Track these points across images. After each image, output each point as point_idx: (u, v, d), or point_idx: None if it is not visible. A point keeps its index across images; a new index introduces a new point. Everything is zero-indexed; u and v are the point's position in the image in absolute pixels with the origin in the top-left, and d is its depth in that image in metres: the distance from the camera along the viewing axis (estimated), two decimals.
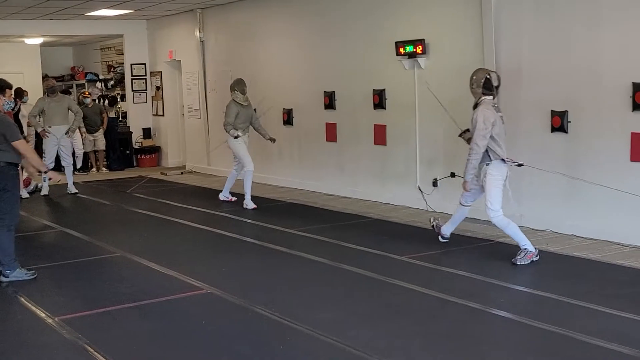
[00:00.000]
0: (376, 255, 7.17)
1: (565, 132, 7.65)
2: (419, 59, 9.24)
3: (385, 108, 9.95)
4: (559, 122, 7.67)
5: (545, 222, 7.93)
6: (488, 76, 6.81)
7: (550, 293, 5.70)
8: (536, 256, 6.66)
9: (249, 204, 10.12)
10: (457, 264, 6.67)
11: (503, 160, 6.68)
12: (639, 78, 6.94)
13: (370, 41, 10.11)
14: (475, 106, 6.79)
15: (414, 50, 9.21)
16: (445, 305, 5.55)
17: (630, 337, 4.69)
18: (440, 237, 7.43)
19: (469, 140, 6.89)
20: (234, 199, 10.46)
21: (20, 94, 13.34)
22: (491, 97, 6.78)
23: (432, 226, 7.57)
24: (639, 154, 7.02)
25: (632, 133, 7.06)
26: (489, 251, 7.05)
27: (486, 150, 6.66)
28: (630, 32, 7.03)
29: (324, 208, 9.97)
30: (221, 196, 10.63)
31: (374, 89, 10.04)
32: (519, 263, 6.62)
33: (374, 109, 10.08)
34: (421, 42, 9.14)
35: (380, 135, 10.08)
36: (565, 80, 7.65)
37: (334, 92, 10.84)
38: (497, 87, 6.85)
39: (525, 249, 6.64)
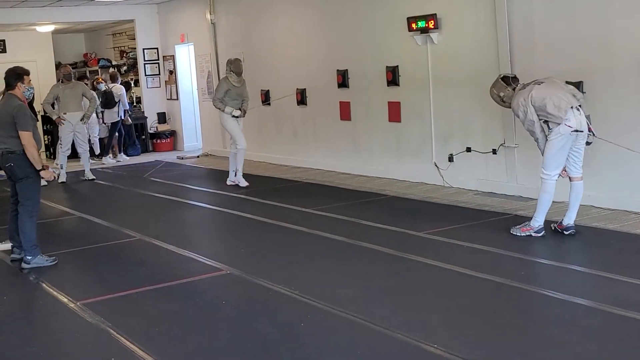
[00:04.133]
0: (394, 232, 7.17)
1: None
2: (431, 34, 9.17)
3: (398, 85, 9.90)
4: None
5: (562, 194, 7.87)
6: (500, 76, 6.79)
7: (569, 264, 5.69)
8: (537, 232, 6.50)
9: (240, 180, 10.21)
10: (476, 238, 6.65)
11: (567, 125, 6.27)
12: None
13: (382, 18, 10.04)
14: None
15: (426, 25, 9.14)
16: (464, 279, 5.55)
17: None
18: (564, 232, 6.56)
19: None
20: (244, 183, 10.36)
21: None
22: (520, 84, 6.66)
23: (554, 229, 6.65)
24: None
25: None
26: (506, 225, 7.03)
27: (545, 123, 6.39)
28: None
29: (340, 187, 9.97)
30: (228, 181, 10.54)
31: (387, 66, 9.99)
32: (512, 232, 6.59)
33: (388, 86, 10.04)
34: (433, 17, 9.07)
35: (394, 112, 10.04)
36: (579, 51, 7.58)
37: (347, 70, 10.80)
38: (514, 77, 6.77)
39: (532, 222, 6.52)
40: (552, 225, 6.69)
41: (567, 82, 7.57)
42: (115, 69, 17.16)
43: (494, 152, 8.67)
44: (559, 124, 6.30)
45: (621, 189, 7.35)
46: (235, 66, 10.18)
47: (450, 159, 9.30)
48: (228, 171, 10.74)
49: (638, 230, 6.60)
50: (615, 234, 6.59)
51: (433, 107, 9.43)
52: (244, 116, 10.35)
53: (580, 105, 6.43)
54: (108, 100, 14.27)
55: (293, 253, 6.71)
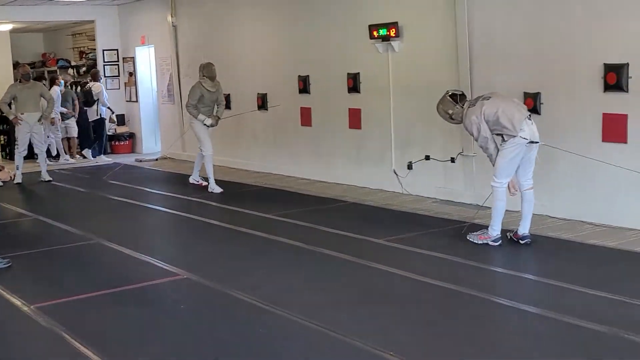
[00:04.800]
0: (354, 238, 7.20)
1: (539, 113, 7.72)
2: (392, 42, 9.25)
3: (359, 92, 9.96)
4: (532, 104, 7.72)
5: (518, 203, 7.99)
6: (447, 93, 6.83)
7: (525, 273, 5.78)
8: (494, 242, 6.57)
9: (214, 188, 10.09)
10: (434, 246, 6.71)
11: (522, 137, 6.36)
12: (609, 59, 7.02)
13: (344, 25, 10.10)
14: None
15: (388, 33, 9.21)
16: (422, 287, 5.60)
17: (601, 314, 4.77)
18: (520, 241, 6.64)
19: None
20: (204, 183, 10.34)
21: None
22: (468, 103, 6.72)
23: (510, 238, 6.72)
24: (611, 134, 7.11)
25: (603, 114, 7.14)
26: (464, 233, 7.09)
27: (500, 136, 6.44)
28: (601, 11, 7.09)
29: (300, 192, 9.98)
30: (191, 179, 10.51)
31: (348, 73, 10.04)
32: (469, 238, 6.67)
33: (349, 92, 10.09)
34: (394, 25, 9.14)
35: (355, 119, 10.09)
36: (538, 62, 7.71)
37: (308, 76, 10.82)
38: (462, 94, 6.85)
39: (488, 231, 6.61)
40: (507, 234, 6.79)
41: (526, 93, 7.73)
42: (94, 69, 16.90)
43: (453, 160, 8.78)
44: (514, 136, 6.40)
45: (577, 199, 7.49)
46: (208, 71, 10.02)
47: (410, 166, 9.38)
48: (187, 174, 10.67)
49: (592, 240, 6.73)
50: (569, 243, 6.71)
51: (393, 114, 9.51)
52: (216, 125, 10.22)
53: (529, 115, 6.56)
54: (87, 99, 14.20)
55: (251, 259, 6.69)
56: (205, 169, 10.16)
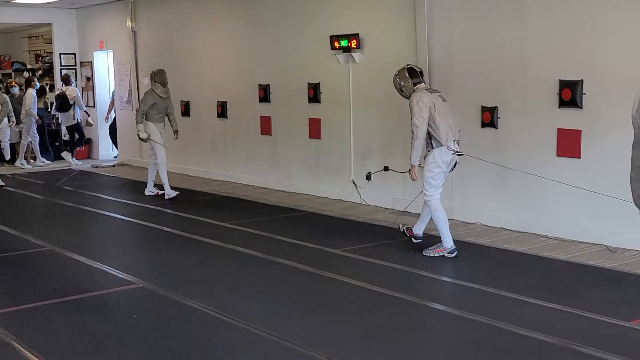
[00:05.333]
0: (311, 248, 7.23)
1: (495, 127, 7.86)
2: (353, 54, 9.34)
3: (320, 102, 10.02)
4: (489, 118, 7.87)
5: (475, 215, 8.14)
6: (407, 66, 6.93)
7: (478, 284, 5.86)
8: (450, 253, 6.72)
9: (170, 193, 10.08)
10: (390, 257, 6.78)
11: (448, 147, 6.63)
12: (564, 75, 7.18)
13: (305, 35, 10.16)
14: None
15: (349, 44, 9.30)
16: (378, 297, 5.65)
17: (552, 326, 4.87)
18: (413, 239, 7.12)
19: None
20: (160, 192, 10.33)
21: None
22: (422, 83, 6.86)
23: (402, 231, 7.22)
24: (565, 149, 7.27)
25: (558, 129, 7.30)
26: (420, 244, 7.18)
27: (428, 137, 6.64)
28: (557, 28, 7.26)
29: (258, 201, 9.98)
30: (146, 192, 10.47)
31: (309, 83, 10.09)
32: (425, 254, 6.77)
33: (309, 102, 10.14)
34: (355, 36, 9.23)
35: (315, 128, 10.15)
36: (495, 77, 7.86)
37: (268, 85, 10.85)
38: (421, 72, 6.96)
39: (443, 244, 6.75)
40: (400, 225, 7.28)
41: (483, 107, 7.87)
42: (64, 73, 16.67)
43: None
44: (442, 146, 6.61)
45: (530, 212, 7.63)
46: (159, 77, 10.06)
47: (368, 177, 9.46)
48: (144, 181, 10.60)
49: (545, 252, 6.87)
50: (523, 256, 6.84)
51: (353, 125, 9.58)
52: (176, 138, 10.33)
53: (458, 141, 6.78)
54: (63, 104, 14.14)
55: (208, 268, 6.68)
56: (160, 174, 10.13)
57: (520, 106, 7.66)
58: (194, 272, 6.53)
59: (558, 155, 7.33)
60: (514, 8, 7.62)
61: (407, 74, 6.86)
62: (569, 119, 7.21)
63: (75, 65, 15.62)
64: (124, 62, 14.17)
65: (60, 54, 15.51)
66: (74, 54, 15.58)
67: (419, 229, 7.12)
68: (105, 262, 6.76)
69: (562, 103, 7.23)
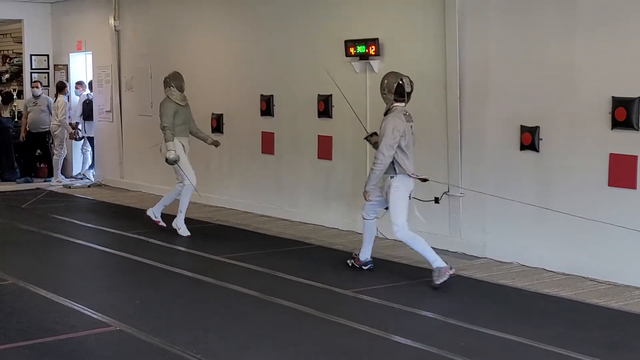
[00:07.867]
0: (317, 288, 7.21)
1: (537, 150, 7.84)
2: (371, 62, 9.36)
3: (331, 117, 10.04)
4: (530, 139, 7.85)
5: (512, 253, 8.09)
6: (400, 82, 7.42)
7: (517, 336, 5.81)
8: (451, 269, 7.13)
9: (181, 226, 9.71)
10: (413, 300, 6.75)
11: (409, 174, 7.33)
12: (618, 92, 7.18)
13: (315, 39, 10.20)
14: (386, 113, 7.45)
15: (366, 51, 9.33)
16: (402, 349, 5.61)
17: None
18: (362, 267, 7.78)
19: (375, 145, 7.52)
20: (163, 224, 9.92)
21: None
22: (403, 104, 7.41)
23: (351, 264, 7.89)
24: (618, 178, 7.24)
25: (610, 154, 7.28)
26: (444, 283, 7.14)
27: (392, 162, 7.27)
28: (609, 40, 7.26)
29: (257, 232, 9.98)
30: (149, 212, 9.98)
31: (319, 95, 10.12)
32: (437, 282, 7.09)
33: (319, 117, 10.16)
34: (374, 42, 9.26)
35: (325, 147, 10.15)
36: (537, 93, 7.85)
37: (272, 96, 10.89)
38: (409, 94, 7.44)
39: (437, 267, 7.12)
40: (349, 261, 7.87)
41: (522, 127, 7.87)
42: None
43: (437, 201, 8.69)
44: (404, 175, 7.29)
45: (577, 251, 7.58)
46: (176, 82, 9.75)
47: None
48: (125, 205, 10.59)
49: (594, 299, 6.82)
50: (569, 302, 6.79)
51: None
52: (217, 145, 10.24)
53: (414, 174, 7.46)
54: (89, 111, 14.66)
55: (197, 309, 6.66)
56: (181, 200, 9.76)
57: (566, 126, 7.65)
58: (181, 313, 6.51)
59: (610, 185, 7.31)
60: (560, 15, 7.62)
61: (395, 87, 7.39)
62: (624, 142, 7.19)
63: (48, 68, 15.72)
64: (105, 65, 14.25)
65: (31, 55, 15.63)
66: (47, 55, 15.68)
67: (364, 255, 7.77)
68: (77, 300, 6.74)
69: (616, 124, 7.22)
